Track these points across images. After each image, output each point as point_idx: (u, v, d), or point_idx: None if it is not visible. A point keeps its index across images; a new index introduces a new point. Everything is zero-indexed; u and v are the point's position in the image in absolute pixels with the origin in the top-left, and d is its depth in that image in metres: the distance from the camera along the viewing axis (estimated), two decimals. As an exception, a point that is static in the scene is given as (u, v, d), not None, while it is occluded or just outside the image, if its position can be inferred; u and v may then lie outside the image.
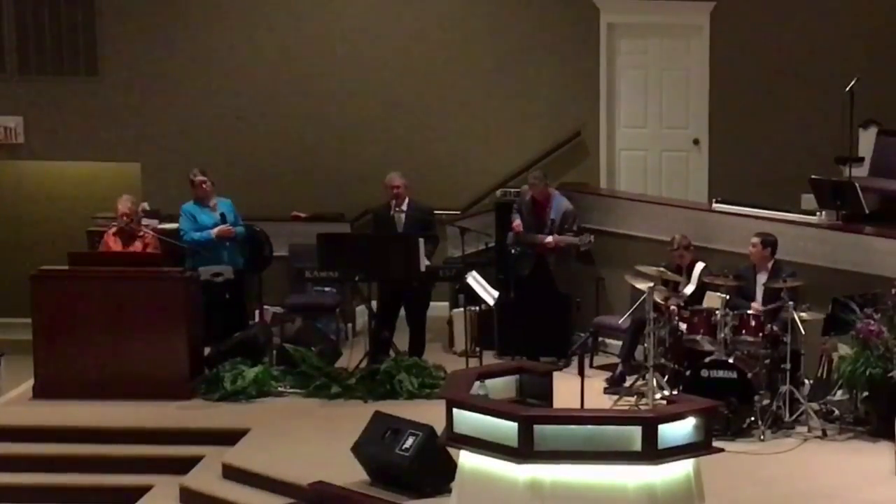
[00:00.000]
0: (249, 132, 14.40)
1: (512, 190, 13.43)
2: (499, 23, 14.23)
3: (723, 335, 10.60)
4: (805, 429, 10.51)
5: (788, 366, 10.47)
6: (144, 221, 12.55)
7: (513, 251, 12.30)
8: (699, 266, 11.50)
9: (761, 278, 11.12)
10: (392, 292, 12.09)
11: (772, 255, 11.18)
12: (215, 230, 12.12)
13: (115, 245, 11.95)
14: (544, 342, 12.11)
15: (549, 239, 12.16)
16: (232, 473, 9.88)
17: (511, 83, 14.23)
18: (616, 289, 12.63)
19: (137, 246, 11.94)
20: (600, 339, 12.66)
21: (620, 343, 11.96)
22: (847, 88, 12.61)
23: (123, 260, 11.71)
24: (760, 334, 10.67)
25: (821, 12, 13.87)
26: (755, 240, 11.19)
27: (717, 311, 10.67)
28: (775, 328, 10.67)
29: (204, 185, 12.24)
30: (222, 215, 12.17)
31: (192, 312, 11.48)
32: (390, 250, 11.68)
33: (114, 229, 12.01)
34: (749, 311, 10.79)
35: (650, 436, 7.70)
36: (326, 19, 14.34)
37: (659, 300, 10.99)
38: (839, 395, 10.66)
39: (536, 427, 7.75)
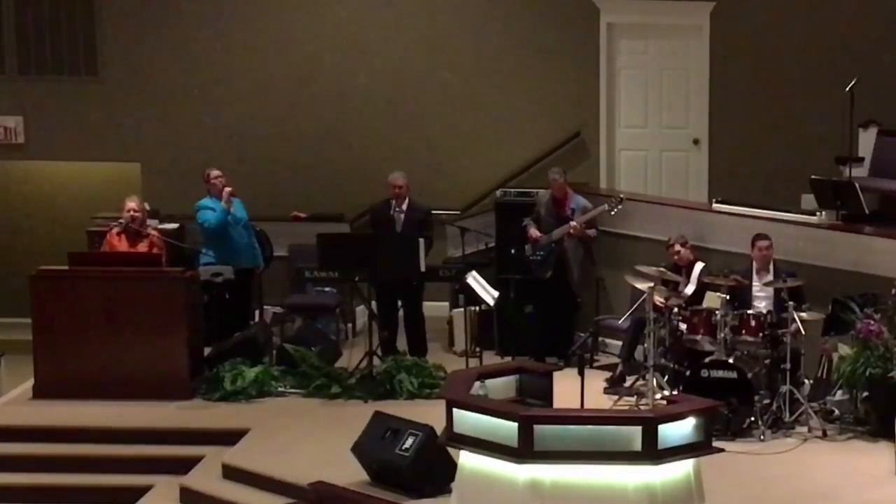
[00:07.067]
0: (250, 132, 14.38)
1: (512, 190, 13.44)
2: (499, 23, 14.22)
3: (723, 335, 10.59)
4: (805, 429, 10.50)
5: (788, 366, 10.47)
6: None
7: (533, 257, 12.30)
8: (698, 266, 11.50)
9: (763, 278, 11.10)
10: (389, 293, 12.09)
11: (769, 254, 11.24)
12: (225, 194, 12.22)
13: (119, 244, 11.91)
14: (547, 342, 12.11)
15: (574, 223, 12.22)
16: (232, 473, 9.88)
17: (511, 83, 14.22)
18: (616, 289, 12.63)
19: (144, 246, 11.90)
20: (600, 339, 12.67)
21: (620, 343, 11.97)
22: (847, 88, 12.62)
23: (123, 260, 11.69)
24: (760, 334, 10.67)
25: (821, 12, 13.86)
26: (765, 242, 11.11)
27: (717, 311, 10.67)
28: (780, 332, 10.64)
29: (218, 182, 12.33)
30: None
31: (192, 312, 11.47)
32: (390, 250, 11.68)
33: (117, 229, 11.96)
34: (749, 311, 10.79)
35: (650, 436, 7.70)
36: (326, 20, 14.32)
37: (659, 300, 10.99)
38: (839, 395, 10.65)
39: (536, 427, 7.74)
